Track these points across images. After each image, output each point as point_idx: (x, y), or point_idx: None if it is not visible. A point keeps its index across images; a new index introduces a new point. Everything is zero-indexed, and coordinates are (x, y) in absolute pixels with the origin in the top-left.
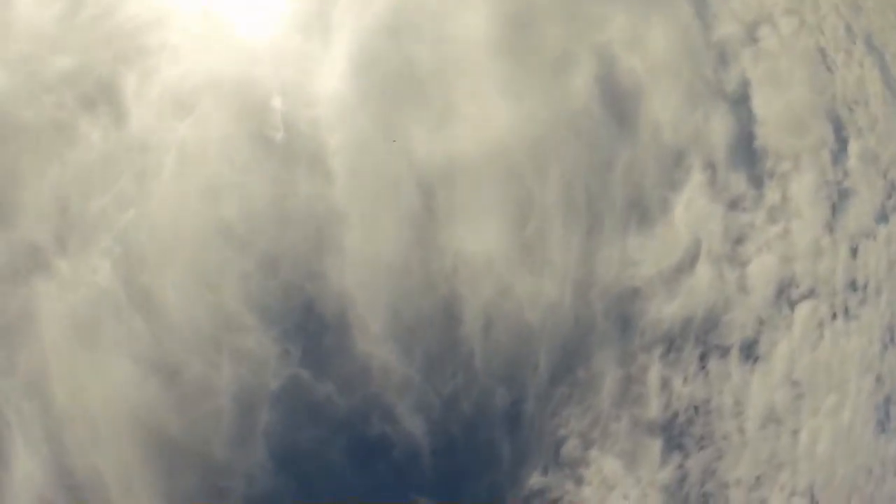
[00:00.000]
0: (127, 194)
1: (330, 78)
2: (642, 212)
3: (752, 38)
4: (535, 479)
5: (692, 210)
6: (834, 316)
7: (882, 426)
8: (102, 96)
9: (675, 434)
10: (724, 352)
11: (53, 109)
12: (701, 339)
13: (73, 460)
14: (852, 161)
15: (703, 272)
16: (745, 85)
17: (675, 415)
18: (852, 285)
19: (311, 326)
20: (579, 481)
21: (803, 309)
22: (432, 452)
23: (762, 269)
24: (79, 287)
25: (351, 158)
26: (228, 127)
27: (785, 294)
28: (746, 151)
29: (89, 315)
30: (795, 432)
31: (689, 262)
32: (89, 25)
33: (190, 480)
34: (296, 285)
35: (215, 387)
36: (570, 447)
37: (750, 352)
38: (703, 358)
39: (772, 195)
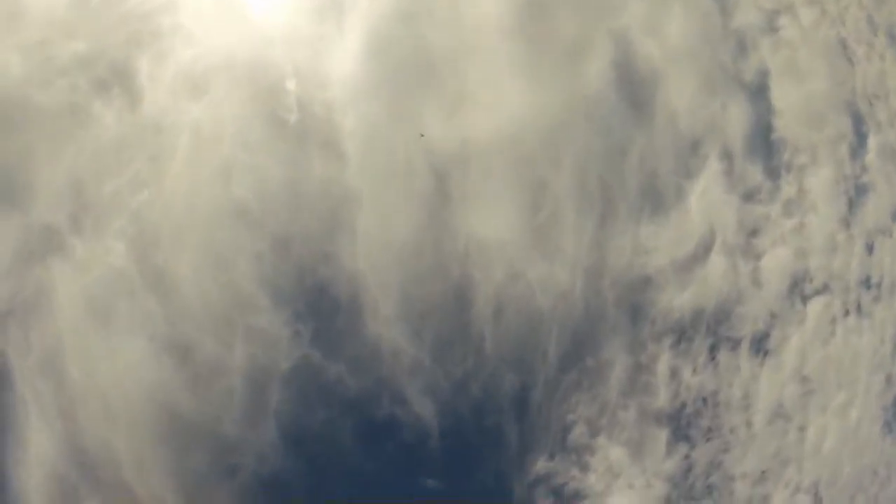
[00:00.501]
0: (141, 176)
1: (344, 60)
2: (656, 200)
3: (771, 27)
4: (541, 465)
5: (707, 200)
6: (847, 313)
7: (889, 427)
8: (116, 79)
9: (682, 425)
10: (735, 344)
11: (68, 93)
12: (712, 330)
13: (87, 437)
14: (871, 156)
15: (717, 263)
16: (763, 75)
17: (683, 405)
18: (866, 282)
19: (322, 307)
20: (585, 468)
21: (816, 304)
22: (441, 435)
23: (776, 262)
24: (93, 267)
25: (364, 141)
26: (242, 109)
27: (798, 288)
28: (764, 142)
29: (103, 295)
30: (803, 429)
31: (702, 253)
32: (102, 9)
33: (201, 458)
34: (308, 266)
35: (227, 366)
36: (578, 434)
37: (761, 345)
38: (713, 349)
39: (788, 188)
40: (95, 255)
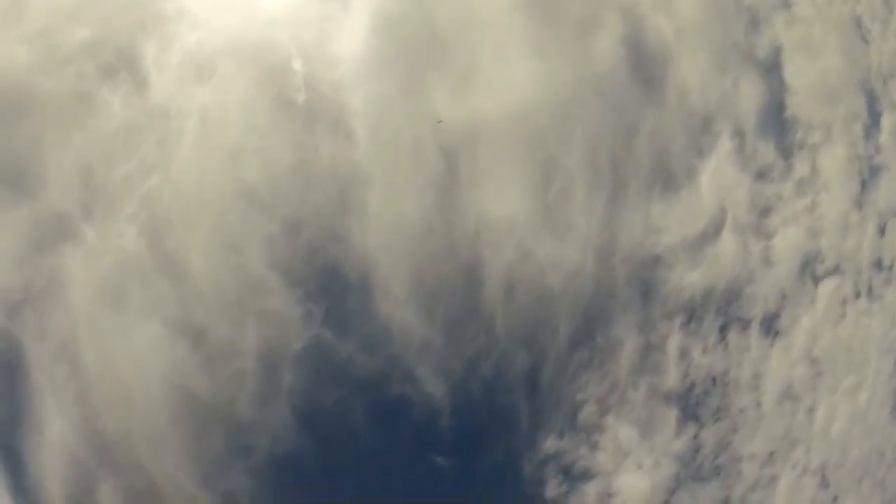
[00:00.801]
0: (150, 160)
1: (350, 39)
2: (667, 178)
3: (785, 2)
4: (550, 443)
5: (719, 178)
6: (858, 294)
7: None
8: (122, 65)
9: (691, 404)
10: (745, 324)
11: (74, 80)
12: (722, 310)
13: (104, 421)
14: (885, 136)
15: (728, 242)
16: (776, 51)
17: (693, 385)
18: (878, 264)
19: (333, 288)
20: (594, 447)
21: (827, 285)
22: (451, 413)
23: (788, 242)
24: (105, 253)
25: (373, 120)
26: (249, 91)
27: (809, 269)
28: (776, 120)
29: (116, 280)
30: (811, 410)
31: (713, 232)
32: None
33: (216, 439)
34: (319, 247)
35: (240, 348)
36: (587, 413)
37: (771, 326)
38: (723, 329)
39: (801, 167)
40: (107, 241)
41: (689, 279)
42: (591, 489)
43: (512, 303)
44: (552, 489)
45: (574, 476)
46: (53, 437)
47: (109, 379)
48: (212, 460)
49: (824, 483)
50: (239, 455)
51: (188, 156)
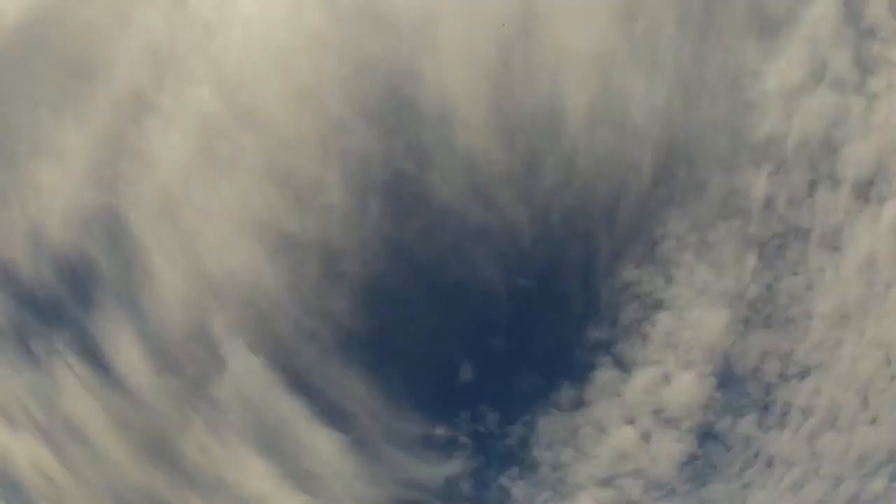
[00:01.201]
0: (212, 23)
1: None
2: (765, 21)
3: None
4: (628, 272)
5: (822, 28)
6: None
7: None
8: None
9: (769, 254)
10: (836, 184)
11: None
12: (815, 165)
13: (209, 265)
14: None
15: (826, 97)
16: None
17: (774, 236)
18: None
19: (412, 123)
20: (670, 280)
21: None
22: (533, 240)
23: (891, 107)
24: (184, 117)
25: None
26: None
27: None
28: None
29: (199, 139)
30: (889, 285)
31: (811, 84)
32: None
33: (312, 268)
34: (395, 85)
35: (326, 184)
36: (666, 247)
37: (862, 191)
38: (812, 185)
39: None
40: (184, 105)
41: (781, 129)
42: (664, 319)
43: (594, 136)
44: (627, 315)
45: (648, 305)
46: (166, 286)
47: (208, 228)
48: (311, 287)
49: (887, 360)
50: (335, 279)
51: (249, 10)
